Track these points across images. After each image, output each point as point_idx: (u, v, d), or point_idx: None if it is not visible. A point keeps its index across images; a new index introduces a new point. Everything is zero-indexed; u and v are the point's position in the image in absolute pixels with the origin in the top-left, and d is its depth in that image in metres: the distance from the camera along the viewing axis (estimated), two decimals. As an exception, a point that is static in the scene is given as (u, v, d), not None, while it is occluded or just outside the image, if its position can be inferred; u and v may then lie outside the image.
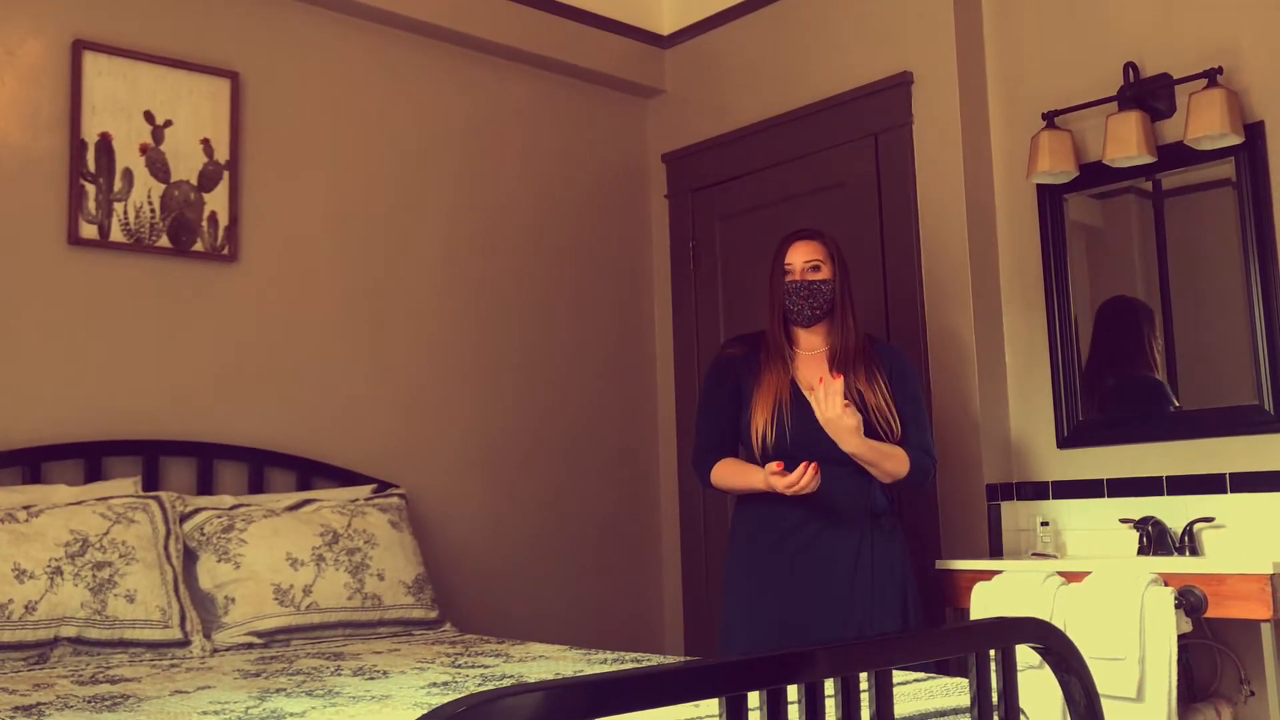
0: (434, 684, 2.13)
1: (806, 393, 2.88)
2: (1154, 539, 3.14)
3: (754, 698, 1.30)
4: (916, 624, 2.86)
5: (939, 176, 3.63)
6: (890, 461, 2.82)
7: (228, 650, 2.77)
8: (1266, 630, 2.70)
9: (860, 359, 2.93)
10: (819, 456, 2.77)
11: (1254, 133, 3.10)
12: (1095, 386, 3.42)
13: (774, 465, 2.72)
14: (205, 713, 1.86)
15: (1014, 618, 1.78)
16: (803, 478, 2.68)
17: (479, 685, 2.10)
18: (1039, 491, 3.48)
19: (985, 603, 2.95)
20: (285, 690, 2.07)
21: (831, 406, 2.71)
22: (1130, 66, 3.32)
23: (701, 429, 3.04)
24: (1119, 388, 3.41)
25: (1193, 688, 3.05)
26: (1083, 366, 3.44)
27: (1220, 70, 3.10)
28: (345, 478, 3.48)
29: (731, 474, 2.94)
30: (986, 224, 3.62)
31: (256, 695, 2.02)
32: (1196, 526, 3.10)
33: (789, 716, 1.33)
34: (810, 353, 2.98)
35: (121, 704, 1.99)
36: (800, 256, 2.94)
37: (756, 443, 2.87)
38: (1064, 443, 3.44)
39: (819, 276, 2.93)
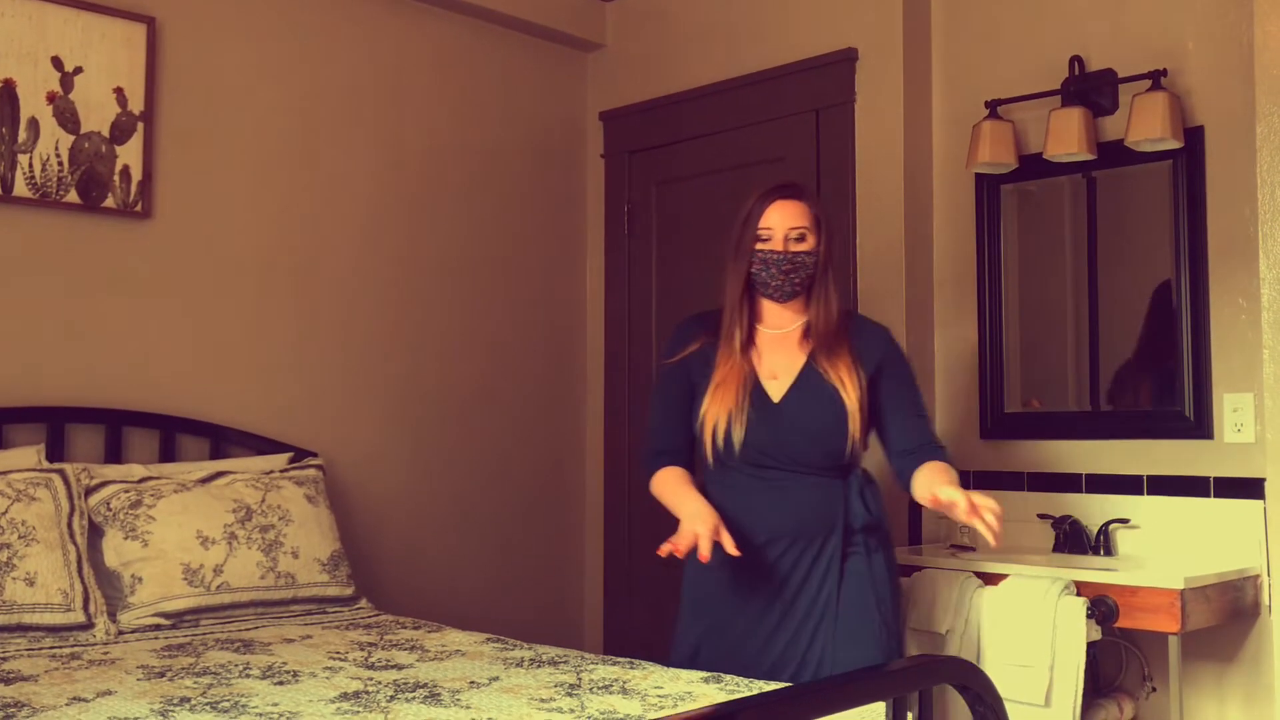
0: (344, 694, 2.08)
1: (768, 382, 2.47)
2: (1070, 537, 3.18)
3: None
4: (891, 653, 2.48)
5: (879, 157, 3.58)
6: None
7: (133, 633, 2.69)
8: (1173, 640, 2.75)
9: (841, 340, 2.51)
10: (780, 460, 2.44)
11: (1193, 137, 3.09)
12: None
13: (707, 541, 2.29)
14: (103, 733, 1.80)
15: (934, 657, 1.79)
16: (717, 548, 2.30)
17: (391, 697, 2.06)
18: (960, 480, 3.49)
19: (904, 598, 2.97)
20: (190, 701, 2.01)
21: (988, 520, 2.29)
22: (1076, 60, 3.28)
23: (653, 426, 2.63)
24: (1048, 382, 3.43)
25: (1097, 682, 3.12)
26: (1006, 358, 3.45)
27: (1164, 72, 3.07)
28: (261, 445, 3.38)
29: (666, 493, 2.52)
30: (923, 209, 3.59)
31: (159, 709, 1.96)
32: (1112, 527, 3.14)
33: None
34: (778, 331, 2.53)
35: (14, 716, 1.91)
36: (784, 221, 2.46)
37: (709, 442, 2.48)
38: (987, 434, 3.46)
39: (803, 247, 2.47)
